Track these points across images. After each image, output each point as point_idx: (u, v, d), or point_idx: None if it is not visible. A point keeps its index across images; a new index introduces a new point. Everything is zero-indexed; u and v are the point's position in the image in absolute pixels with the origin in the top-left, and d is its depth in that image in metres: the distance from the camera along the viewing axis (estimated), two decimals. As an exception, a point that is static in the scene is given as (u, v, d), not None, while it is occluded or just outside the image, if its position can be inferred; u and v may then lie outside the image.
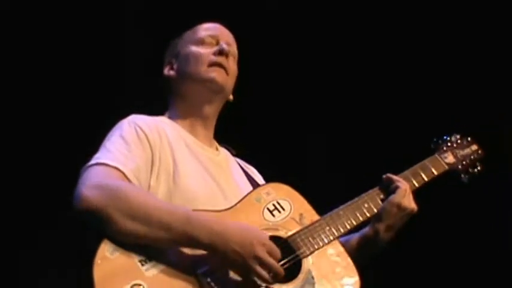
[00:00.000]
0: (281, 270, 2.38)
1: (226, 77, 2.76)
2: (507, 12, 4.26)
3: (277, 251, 2.38)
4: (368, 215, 2.73)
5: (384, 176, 2.80)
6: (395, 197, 2.73)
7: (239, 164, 2.89)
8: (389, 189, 2.77)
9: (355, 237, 2.76)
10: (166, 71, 2.82)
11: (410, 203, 2.74)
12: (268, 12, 4.33)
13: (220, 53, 2.75)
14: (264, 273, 2.34)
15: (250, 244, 2.33)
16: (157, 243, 2.33)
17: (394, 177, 2.80)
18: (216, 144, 2.85)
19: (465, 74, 4.36)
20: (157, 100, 2.85)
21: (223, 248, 2.32)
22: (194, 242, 2.33)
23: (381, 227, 2.74)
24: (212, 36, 2.79)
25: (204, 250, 2.34)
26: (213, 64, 2.74)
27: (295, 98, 4.45)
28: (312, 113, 4.49)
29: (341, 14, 4.44)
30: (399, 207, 2.72)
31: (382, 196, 2.78)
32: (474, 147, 3.15)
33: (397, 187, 2.75)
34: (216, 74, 2.73)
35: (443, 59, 4.40)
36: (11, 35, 3.95)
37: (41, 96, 3.99)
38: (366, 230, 2.77)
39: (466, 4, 4.31)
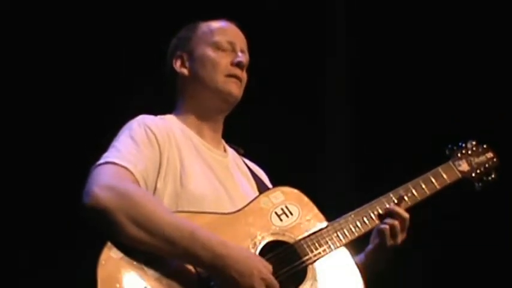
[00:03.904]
0: None
1: (241, 88, 2.77)
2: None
3: (276, 286, 2.36)
4: (377, 222, 2.70)
5: (385, 207, 2.71)
6: (386, 238, 2.65)
7: (246, 165, 2.88)
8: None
9: None
10: (178, 66, 2.79)
11: (402, 238, 2.68)
12: (268, 12, 4.30)
13: (238, 64, 2.74)
14: None
15: (250, 275, 2.32)
16: (159, 254, 2.33)
17: (392, 210, 2.69)
18: (224, 144, 2.84)
19: (487, 80, 4.32)
20: (164, 99, 2.83)
21: (222, 272, 2.32)
22: (195, 260, 2.33)
23: (372, 261, 2.71)
24: (229, 42, 2.76)
25: (204, 269, 2.34)
26: (230, 75, 2.73)
27: (294, 98, 4.43)
28: (311, 113, 4.46)
29: (342, 14, 4.40)
30: (390, 246, 2.67)
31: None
32: (489, 154, 3.08)
33: (390, 223, 2.66)
34: (233, 88, 2.72)
35: (465, 64, 4.37)
36: (12, 36, 3.94)
37: (49, 97, 4.00)
38: (361, 258, 2.73)
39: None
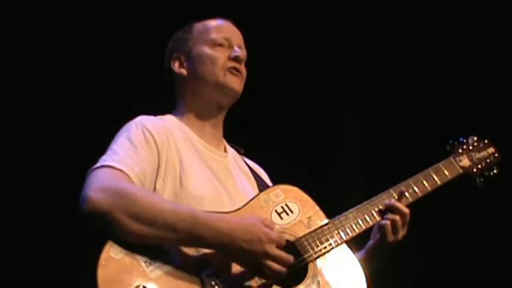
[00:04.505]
0: (291, 260, 2.39)
1: (242, 83, 2.78)
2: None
3: (283, 241, 2.39)
4: (378, 219, 2.70)
5: (386, 203, 2.72)
6: (387, 235, 2.66)
7: (247, 164, 2.88)
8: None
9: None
10: (176, 67, 2.80)
11: (403, 233, 2.69)
12: (268, 12, 4.30)
13: (235, 59, 2.75)
14: (276, 266, 2.36)
15: (259, 241, 2.34)
16: (163, 244, 2.34)
17: (393, 205, 2.70)
18: (225, 143, 2.84)
19: (487, 75, 4.31)
20: (163, 100, 2.84)
21: (231, 247, 2.33)
22: (201, 242, 2.34)
23: (373, 257, 2.72)
24: (225, 38, 2.78)
25: (211, 249, 2.35)
26: (229, 69, 2.73)
27: (295, 98, 4.42)
28: (313, 112, 4.46)
29: (342, 14, 4.39)
30: (392, 242, 2.68)
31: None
32: (491, 149, 3.08)
33: (387, 219, 2.67)
34: (234, 82, 2.73)
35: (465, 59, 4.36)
36: (12, 37, 3.96)
37: (49, 99, 4.02)
38: (361, 254, 2.73)
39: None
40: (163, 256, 2.34)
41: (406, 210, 2.70)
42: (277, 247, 2.37)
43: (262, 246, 2.34)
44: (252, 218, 2.42)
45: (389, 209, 2.70)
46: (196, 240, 2.34)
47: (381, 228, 2.68)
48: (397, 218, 2.67)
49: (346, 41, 4.45)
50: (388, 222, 2.67)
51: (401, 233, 2.69)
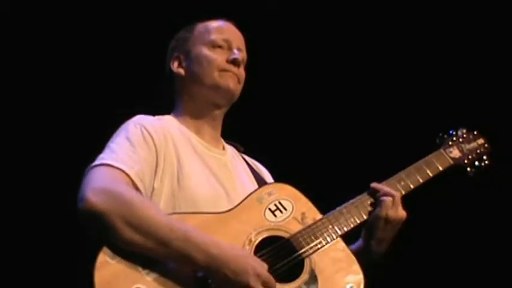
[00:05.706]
0: None
1: (238, 83, 2.78)
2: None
3: (272, 282, 2.36)
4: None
5: (371, 185, 2.73)
6: (381, 210, 2.66)
7: (246, 162, 2.88)
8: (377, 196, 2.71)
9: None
10: (175, 67, 2.81)
11: (397, 213, 2.67)
12: (268, 12, 4.32)
13: (233, 62, 2.75)
14: None
15: (245, 273, 2.32)
16: (154, 256, 2.33)
17: (380, 186, 2.72)
18: (223, 142, 2.85)
19: (475, 68, 4.34)
20: (163, 100, 2.85)
21: (217, 273, 2.32)
22: (190, 262, 2.33)
23: (372, 241, 2.70)
24: (225, 40, 2.79)
25: (199, 270, 2.34)
26: (225, 70, 2.74)
27: (295, 97, 4.44)
28: (314, 112, 4.48)
29: (342, 14, 4.42)
30: (386, 220, 2.66)
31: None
32: (480, 141, 3.11)
33: (382, 198, 2.68)
34: (230, 81, 2.74)
35: (454, 54, 4.39)
36: (12, 37, 3.98)
37: (48, 98, 4.03)
38: (359, 244, 2.73)
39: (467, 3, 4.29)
40: (159, 259, 2.34)
41: (388, 190, 2.69)
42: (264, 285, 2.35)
43: (247, 279, 2.32)
44: (246, 252, 2.42)
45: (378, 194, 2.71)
46: (185, 259, 2.33)
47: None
48: (382, 196, 2.68)
49: (346, 41, 4.46)
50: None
51: (392, 212, 2.66)
